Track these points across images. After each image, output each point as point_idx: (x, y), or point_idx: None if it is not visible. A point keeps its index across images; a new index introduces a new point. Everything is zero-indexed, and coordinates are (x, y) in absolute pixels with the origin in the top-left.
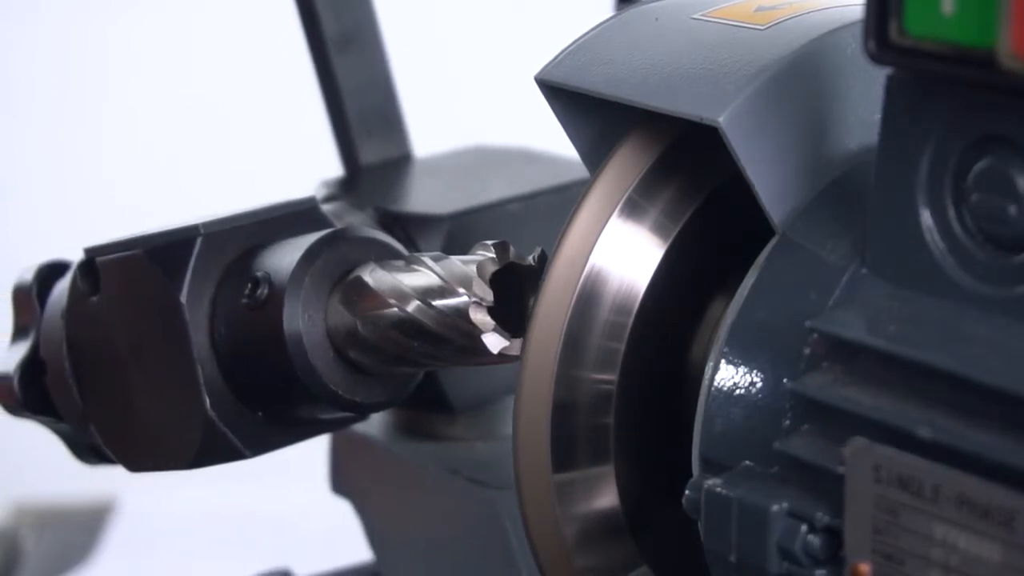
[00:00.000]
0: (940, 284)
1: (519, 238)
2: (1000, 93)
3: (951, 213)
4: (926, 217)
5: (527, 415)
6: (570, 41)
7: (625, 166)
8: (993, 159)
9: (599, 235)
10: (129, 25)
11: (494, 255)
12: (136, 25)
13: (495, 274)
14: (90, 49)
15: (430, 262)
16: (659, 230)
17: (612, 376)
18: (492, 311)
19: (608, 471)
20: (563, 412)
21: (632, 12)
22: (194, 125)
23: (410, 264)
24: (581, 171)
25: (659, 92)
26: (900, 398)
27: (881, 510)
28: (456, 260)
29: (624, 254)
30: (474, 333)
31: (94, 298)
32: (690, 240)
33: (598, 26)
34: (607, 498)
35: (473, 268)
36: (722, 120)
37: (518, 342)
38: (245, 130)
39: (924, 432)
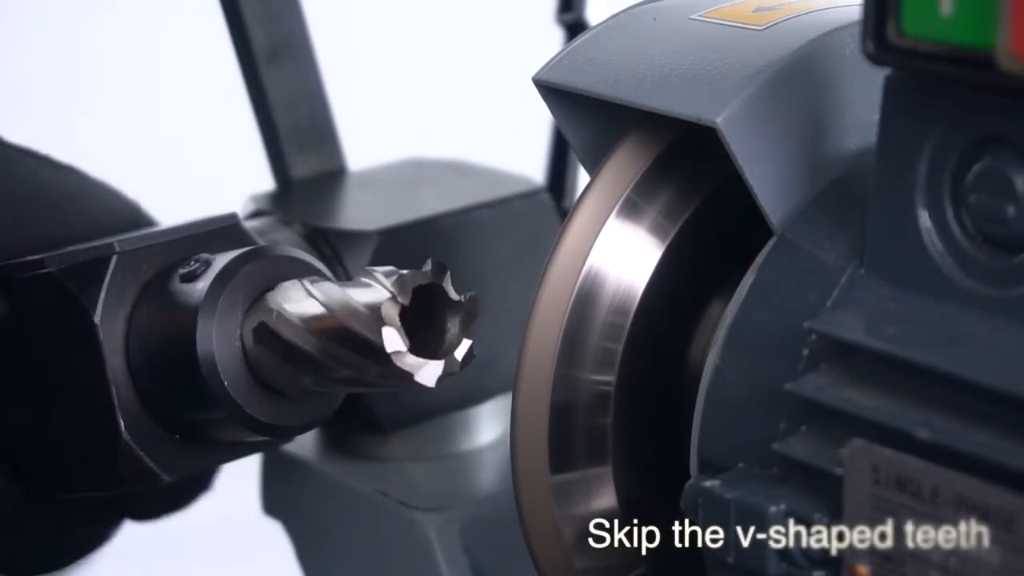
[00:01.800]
0: (938, 285)
1: (452, 254)
2: (999, 94)
3: (950, 214)
4: (924, 218)
5: (525, 416)
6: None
7: (623, 167)
8: (992, 160)
9: (597, 235)
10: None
11: (394, 292)
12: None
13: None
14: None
15: (312, 288)
16: (657, 231)
17: (610, 377)
18: (412, 348)
19: (606, 472)
20: (561, 413)
21: (630, 13)
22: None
23: (306, 290)
24: (517, 185)
25: (657, 93)
26: (899, 399)
27: (880, 511)
28: (335, 287)
29: (622, 254)
30: (356, 362)
31: (9, 316)
32: (688, 241)
33: (596, 27)
34: (605, 499)
35: (354, 293)
36: (720, 121)
37: (450, 359)
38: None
39: (922, 433)
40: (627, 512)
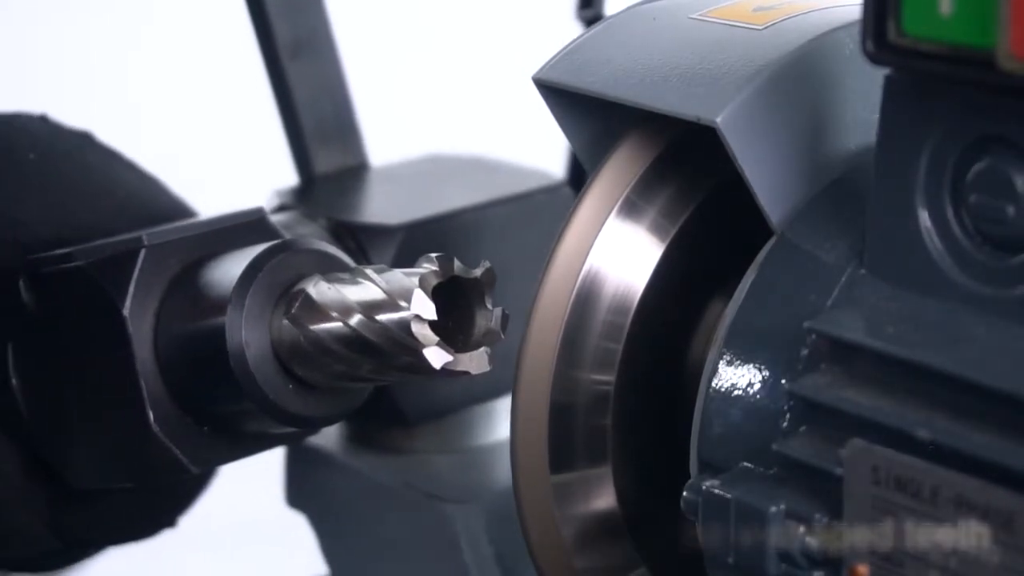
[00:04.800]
0: (938, 285)
1: (474, 248)
2: (999, 94)
3: (950, 214)
4: (924, 218)
5: (525, 416)
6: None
7: (623, 166)
8: (992, 160)
9: (597, 235)
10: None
11: (437, 268)
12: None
13: (438, 287)
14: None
15: (373, 275)
16: (657, 230)
17: (610, 377)
18: (435, 325)
19: (606, 472)
20: (561, 413)
21: (630, 12)
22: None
23: (355, 277)
24: (538, 180)
25: (657, 92)
26: (898, 399)
27: (880, 511)
28: (400, 273)
29: (622, 254)
30: (418, 348)
31: (38, 309)
32: (688, 241)
33: (596, 26)
34: (605, 499)
35: (416, 281)
36: (720, 120)
37: (463, 356)
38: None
39: (922, 433)
40: (627, 512)
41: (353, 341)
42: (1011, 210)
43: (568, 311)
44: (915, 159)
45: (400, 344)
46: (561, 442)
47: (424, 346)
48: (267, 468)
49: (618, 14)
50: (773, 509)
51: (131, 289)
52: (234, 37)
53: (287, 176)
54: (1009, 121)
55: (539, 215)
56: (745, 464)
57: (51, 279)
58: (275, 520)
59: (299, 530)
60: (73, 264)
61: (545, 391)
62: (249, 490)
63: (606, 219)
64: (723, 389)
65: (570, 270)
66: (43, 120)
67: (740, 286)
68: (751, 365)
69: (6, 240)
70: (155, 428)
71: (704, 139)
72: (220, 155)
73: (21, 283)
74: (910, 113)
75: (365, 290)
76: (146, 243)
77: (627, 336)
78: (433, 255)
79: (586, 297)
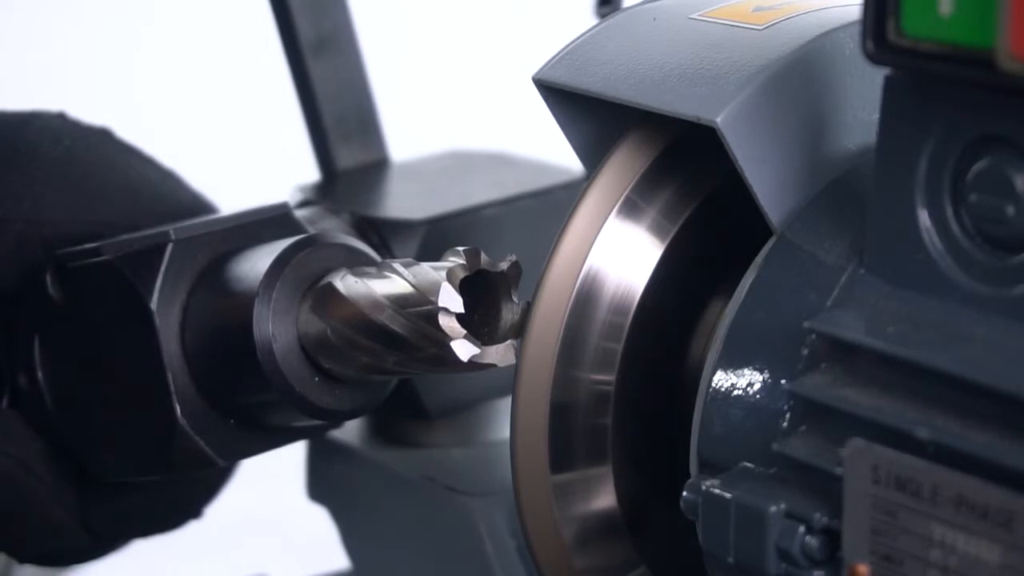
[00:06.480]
0: (938, 284)
1: (496, 243)
2: (998, 93)
3: (949, 213)
4: (924, 217)
5: (525, 416)
6: (565, 43)
7: (623, 166)
8: (992, 159)
9: (597, 235)
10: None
11: (464, 262)
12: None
13: (465, 281)
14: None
15: (401, 268)
16: (657, 230)
17: (610, 377)
18: (461, 318)
19: (606, 472)
20: (561, 413)
21: (630, 12)
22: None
23: (381, 271)
24: (559, 176)
25: (657, 92)
26: (899, 399)
27: (879, 511)
28: (427, 267)
29: (622, 254)
30: (446, 341)
31: (66, 304)
32: (688, 240)
33: (596, 26)
34: (605, 499)
35: (444, 275)
36: (720, 120)
37: (489, 349)
38: (228, 132)
39: (922, 433)
40: (627, 512)
41: (380, 334)
42: (1011, 210)
43: (568, 311)
44: (915, 159)
45: (427, 337)
46: (561, 442)
47: (451, 339)
48: (265, 468)
49: (618, 14)
50: (773, 509)
51: (158, 283)
52: (258, 34)
53: (309, 172)
54: (1009, 121)
55: (559, 211)
56: (745, 464)
57: (78, 274)
58: (274, 519)
59: (298, 529)
60: (101, 258)
61: (545, 391)
62: (249, 489)
63: (606, 219)
64: (723, 389)
65: (570, 270)
66: (61, 118)
67: (740, 286)
68: (751, 365)
69: (30, 236)
70: (182, 421)
71: (704, 139)
72: (242, 151)
73: (48, 278)
74: (910, 113)
75: (392, 283)
76: (173, 237)
77: (627, 336)
78: (460, 248)
79: (586, 297)
